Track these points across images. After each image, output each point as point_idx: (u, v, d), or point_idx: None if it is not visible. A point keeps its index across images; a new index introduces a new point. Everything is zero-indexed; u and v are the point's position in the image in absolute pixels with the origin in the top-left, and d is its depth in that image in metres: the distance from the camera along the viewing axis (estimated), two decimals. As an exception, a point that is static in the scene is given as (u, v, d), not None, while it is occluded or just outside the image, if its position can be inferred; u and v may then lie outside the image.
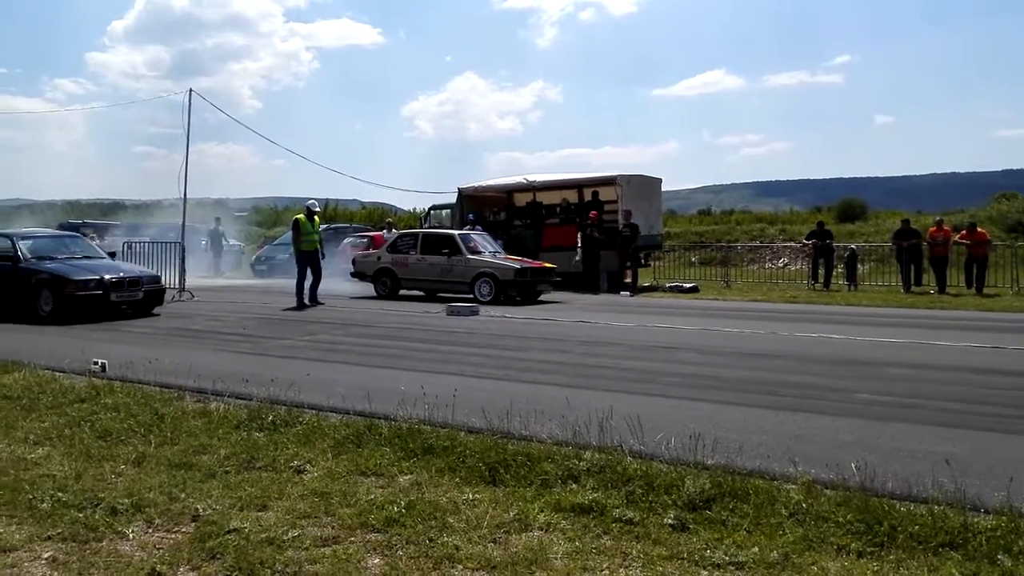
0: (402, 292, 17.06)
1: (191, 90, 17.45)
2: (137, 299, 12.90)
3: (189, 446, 4.79)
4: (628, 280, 19.59)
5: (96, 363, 7.38)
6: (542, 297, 16.42)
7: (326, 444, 4.77)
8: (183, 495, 3.95)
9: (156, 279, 13.72)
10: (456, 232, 17.41)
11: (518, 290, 15.69)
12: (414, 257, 16.86)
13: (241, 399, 5.96)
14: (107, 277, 12.53)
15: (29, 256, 12.93)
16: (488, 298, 15.48)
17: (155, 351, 8.34)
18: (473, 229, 18.94)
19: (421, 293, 17.00)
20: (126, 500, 3.85)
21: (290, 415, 5.38)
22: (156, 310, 13.36)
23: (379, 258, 17.56)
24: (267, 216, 44.59)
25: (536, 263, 16.75)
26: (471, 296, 15.77)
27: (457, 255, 16.25)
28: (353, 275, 17.74)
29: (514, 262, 16.21)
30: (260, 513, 3.74)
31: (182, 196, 17.19)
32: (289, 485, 4.09)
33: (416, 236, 17.53)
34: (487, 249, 16.89)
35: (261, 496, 3.93)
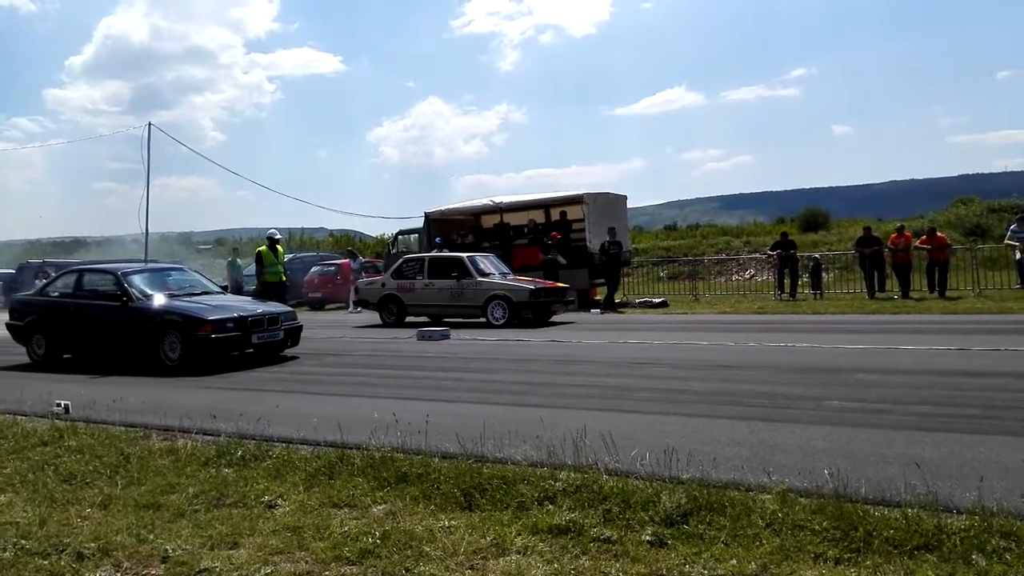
0: (409, 318, 16.56)
1: (150, 124, 17.37)
2: (277, 340, 11.09)
3: (156, 486, 4.68)
4: (598, 297, 19.65)
5: (59, 404, 7.21)
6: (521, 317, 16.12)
7: (297, 477, 4.70)
8: (152, 536, 3.86)
9: (293, 315, 11.75)
10: (464, 255, 16.83)
11: (533, 311, 15.22)
12: (421, 282, 16.33)
13: (209, 435, 5.87)
14: (246, 316, 10.72)
15: (141, 294, 10.98)
16: (501, 321, 15.08)
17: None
18: (441, 252, 18.87)
19: (427, 319, 16.47)
20: (93, 544, 3.75)
21: (260, 449, 5.29)
22: (294, 352, 11.60)
23: (383, 284, 17.06)
24: (232, 248, 44.09)
25: (549, 283, 16.30)
26: (483, 320, 15.40)
27: (467, 278, 15.72)
28: (356, 303, 17.39)
29: (527, 283, 15.74)
30: (231, 551, 3.66)
31: (144, 231, 16.98)
32: (260, 521, 4.01)
33: (422, 260, 16.89)
34: (497, 271, 16.38)
35: (232, 534, 3.85)
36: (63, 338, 11.49)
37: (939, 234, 18.60)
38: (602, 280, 20.70)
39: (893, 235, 19.02)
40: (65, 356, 11.64)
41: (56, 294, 11.86)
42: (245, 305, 11.40)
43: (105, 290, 11.14)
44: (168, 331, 10.38)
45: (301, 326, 11.68)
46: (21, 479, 4.97)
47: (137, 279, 11.25)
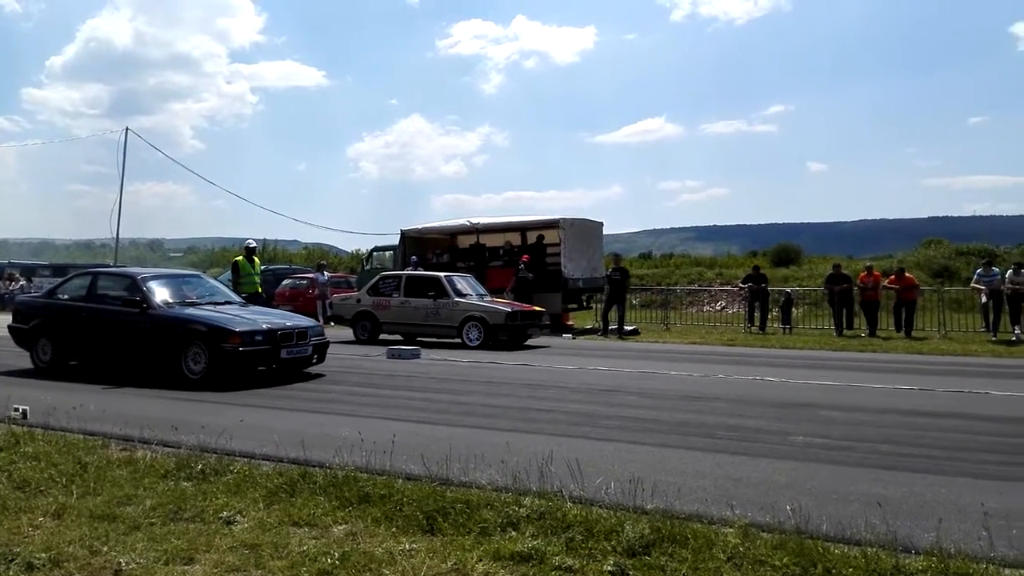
0: (382, 336, 16.42)
1: (127, 128, 17.22)
2: (306, 355, 10.52)
3: (113, 497, 4.59)
4: (571, 322, 19.68)
5: (16, 409, 7.05)
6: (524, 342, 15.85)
7: (258, 494, 4.62)
8: (105, 548, 3.77)
9: (321, 331, 11.23)
10: (442, 274, 16.75)
11: (509, 334, 15.18)
12: (397, 300, 16.25)
13: (169, 447, 5.77)
14: (275, 328, 10.16)
15: (162, 301, 10.39)
16: (477, 342, 15.03)
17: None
18: (416, 270, 18.81)
19: (400, 337, 16.33)
20: (43, 555, 3.66)
21: (220, 464, 5.21)
22: (327, 368, 11.14)
23: (359, 300, 16.95)
24: (204, 256, 43.75)
25: (526, 307, 16.32)
26: (458, 341, 15.33)
27: (444, 298, 15.66)
28: (329, 319, 17.24)
29: (504, 305, 15.74)
30: (187, 567, 3.59)
31: (114, 235, 16.72)
32: (218, 537, 3.94)
33: (399, 278, 16.84)
34: (474, 292, 16.34)
35: (188, 549, 3.78)
36: (72, 344, 10.92)
37: (907, 274, 18.90)
38: (575, 306, 20.78)
39: (862, 274, 19.30)
40: (72, 363, 11.06)
41: (66, 297, 11.27)
42: (272, 317, 10.88)
43: (121, 295, 10.58)
44: (192, 342, 9.75)
45: (328, 342, 11.22)
46: (-28, 485, 4.85)
47: (156, 285, 10.65)
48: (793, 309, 20.72)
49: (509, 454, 5.35)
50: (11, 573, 3.46)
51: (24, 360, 11.26)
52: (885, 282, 18.91)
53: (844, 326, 18.84)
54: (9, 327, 11.71)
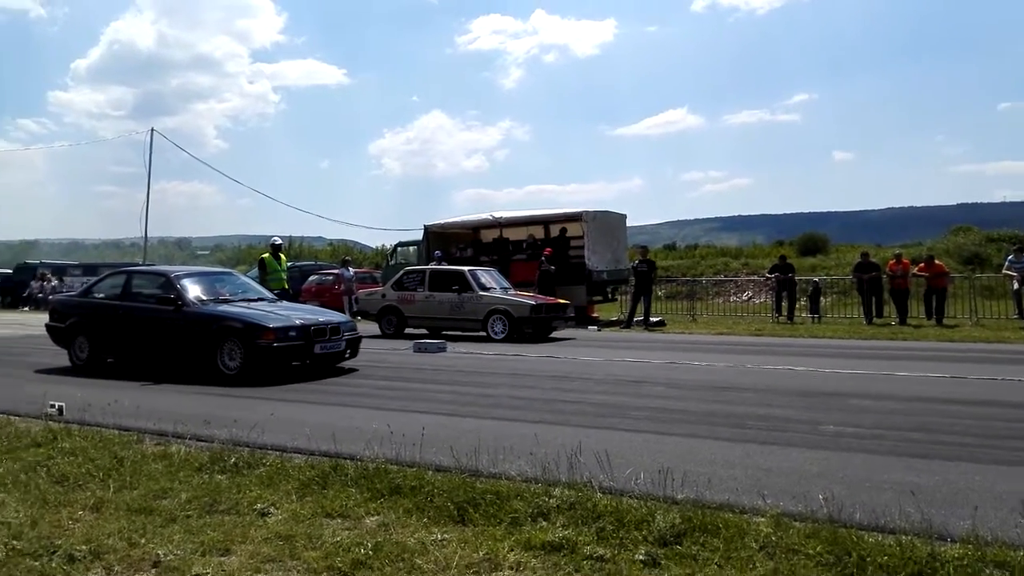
0: (408, 330, 16.51)
1: (152, 129, 17.42)
2: (339, 350, 10.60)
3: (149, 490, 4.66)
4: (596, 316, 19.65)
5: (53, 406, 7.19)
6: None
7: (290, 486, 4.68)
8: (143, 540, 3.84)
9: (354, 326, 11.33)
10: (466, 268, 16.82)
11: (533, 327, 15.22)
12: (422, 294, 16.33)
13: (203, 441, 5.84)
14: (308, 324, 10.24)
15: (195, 299, 10.53)
16: (501, 336, 15.08)
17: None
18: (440, 265, 18.88)
19: (425, 331, 16.40)
20: (84, 547, 3.73)
21: (253, 457, 5.27)
22: (355, 363, 11.16)
23: (384, 295, 17.04)
24: (231, 254, 44.16)
25: (551, 299, 16.31)
26: (483, 334, 15.38)
27: (468, 291, 15.73)
28: (355, 314, 17.38)
29: (528, 298, 15.75)
30: (223, 558, 3.65)
31: (143, 235, 16.95)
32: (252, 528, 4.00)
33: (423, 272, 16.91)
34: (498, 285, 16.38)
35: (224, 540, 3.83)
36: (108, 342, 11.08)
37: (937, 262, 18.65)
38: (600, 298, 20.75)
39: (891, 262, 19.07)
40: (108, 361, 11.22)
41: (101, 296, 11.44)
42: (304, 313, 10.95)
43: (155, 293, 10.71)
44: (227, 338, 9.88)
45: (361, 337, 11.30)
46: (13, 480, 4.95)
47: (190, 283, 10.79)
48: (821, 298, 20.54)
49: (537, 446, 5.36)
50: (53, 565, 3.54)
51: (62, 358, 11.44)
52: (915, 270, 18.67)
53: (874, 314, 18.64)
54: (47, 326, 11.91)
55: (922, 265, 18.59)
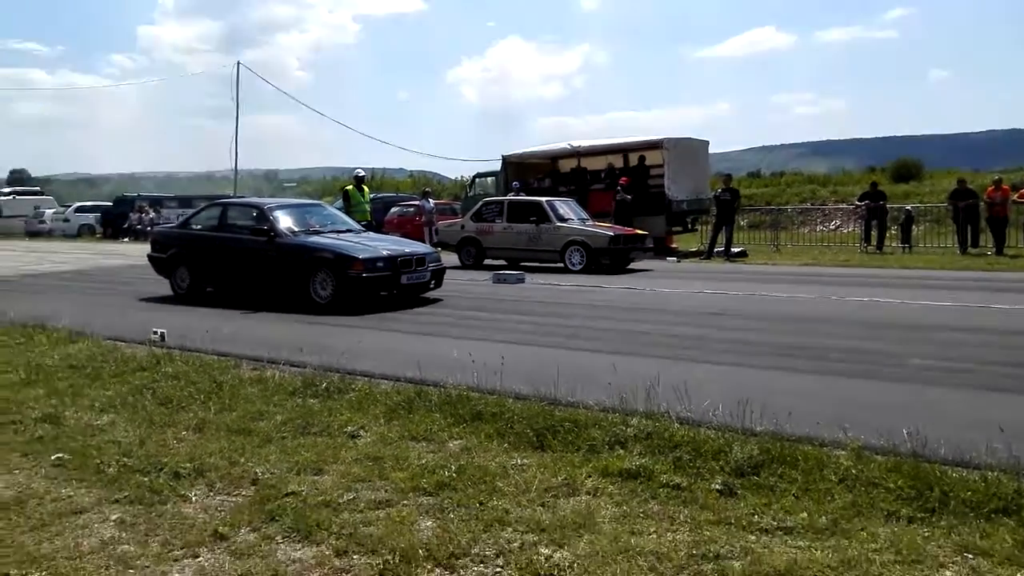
0: (487, 261, 16.67)
1: (239, 63, 17.71)
2: (424, 281, 10.75)
3: (247, 412, 4.93)
4: (675, 247, 19.38)
5: (155, 332, 7.61)
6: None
7: (378, 410, 4.88)
8: (242, 459, 4.09)
9: (438, 257, 11.47)
10: (544, 199, 16.75)
11: (611, 258, 15.15)
12: (500, 225, 16.41)
13: (295, 367, 6.12)
14: (395, 255, 10.44)
15: (288, 230, 10.80)
16: (579, 267, 15.07)
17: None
18: (518, 196, 18.84)
19: (504, 262, 16.44)
20: (188, 465, 4.00)
21: (343, 382, 5.51)
22: (437, 293, 11.23)
23: (463, 227, 17.21)
24: (316, 186, 44.98)
25: (628, 230, 16.14)
26: (561, 265, 15.43)
27: (546, 222, 15.67)
28: (435, 245, 17.66)
29: (606, 229, 15.66)
30: (316, 477, 3.86)
31: (233, 168, 17.39)
32: (343, 450, 4.21)
33: (502, 204, 16.95)
34: (576, 216, 16.30)
35: (317, 460, 4.06)
36: (207, 272, 11.50)
37: (1041, 188, 17.63)
38: (680, 228, 20.42)
39: (990, 188, 18.10)
40: (208, 290, 11.62)
41: (199, 227, 11.85)
42: (391, 244, 11.16)
43: (250, 225, 11.01)
44: (318, 268, 10.16)
45: (445, 268, 11.49)
46: (122, 401, 5.30)
47: (282, 214, 11.06)
48: (914, 227, 19.75)
49: (615, 376, 5.41)
50: (160, 481, 3.81)
51: (164, 287, 11.98)
52: (1015, 196, 17.69)
53: (969, 244, 17.84)
54: (149, 256, 12.46)
55: (1023, 191, 17.60)
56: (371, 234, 12.25)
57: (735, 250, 18.68)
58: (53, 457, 4.19)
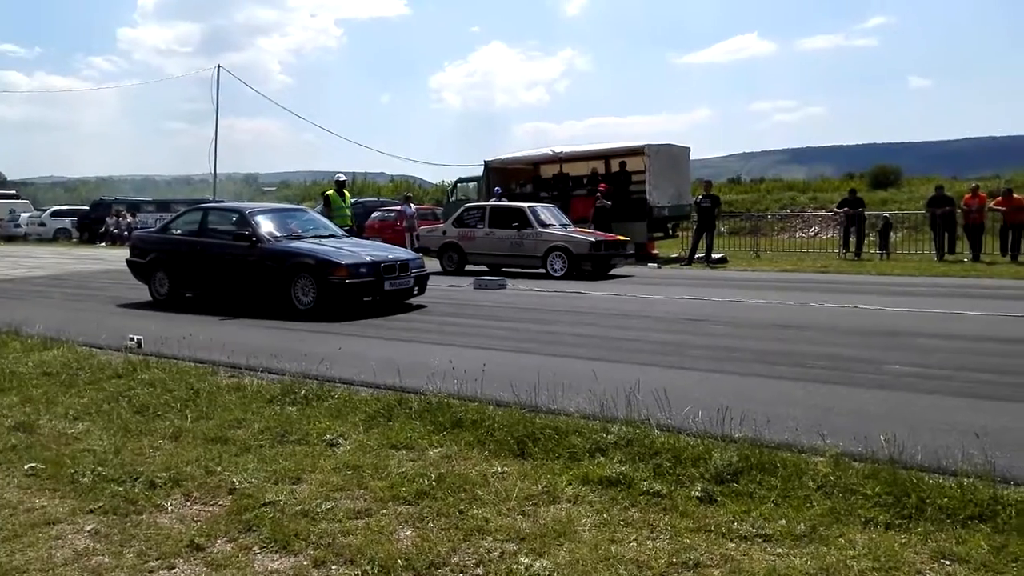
0: (468, 267, 16.63)
1: (219, 66, 17.64)
2: (408, 287, 10.66)
3: (224, 420, 4.89)
4: (656, 253, 19.45)
5: (132, 339, 7.53)
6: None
7: (357, 418, 4.85)
8: (219, 468, 4.05)
9: (422, 263, 11.32)
10: (526, 205, 16.77)
11: (592, 264, 15.18)
12: (482, 231, 16.37)
13: (274, 374, 6.07)
14: (379, 261, 10.35)
15: (269, 235, 10.71)
16: (561, 273, 15.10)
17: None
18: (500, 201, 18.84)
19: (485, 268, 16.46)
20: (164, 474, 3.96)
21: (322, 389, 5.47)
22: (419, 300, 11.11)
23: (444, 232, 17.16)
24: (297, 191, 44.75)
25: (610, 236, 16.21)
26: (543, 271, 15.42)
27: (528, 228, 15.70)
28: (416, 250, 17.64)
29: (588, 235, 15.72)
30: (294, 486, 3.83)
31: (212, 171, 17.30)
32: (322, 458, 4.18)
33: (483, 209, 16.92)
34: (558, 222, 16.34)
35: (295, 469, 4.02)
36: (186, 277, 11.40)
37: (1016, 196, 17.85)
38: (661, 234, 20.51)
39: (967, 195, 18.35)
40: (187, 295, 11.52)
41: (179, 232, 11.74)
42: (374, 250, 11.05)
43: (231, 230, 10.93)
44: (300, 274, 10.08)
45: (428, 274, 11.39)
46: (97, 409, 5.24)
47: (264, 219, 10.98)
48: (892, 234, 19.95)
49: (596, 383, 5.42)
50: (136, 490, 3.75)
51: (141, 293, 11.86)
52: (992, 204, 17.93)
53: (946, 251, 18.05)
54: (128, 261, 12.32)
55: (1000, 199, 17.85)
56: (354, 239, 12.20)
57: (716, 256, 18.77)
58: (26, 466, 4.13)
